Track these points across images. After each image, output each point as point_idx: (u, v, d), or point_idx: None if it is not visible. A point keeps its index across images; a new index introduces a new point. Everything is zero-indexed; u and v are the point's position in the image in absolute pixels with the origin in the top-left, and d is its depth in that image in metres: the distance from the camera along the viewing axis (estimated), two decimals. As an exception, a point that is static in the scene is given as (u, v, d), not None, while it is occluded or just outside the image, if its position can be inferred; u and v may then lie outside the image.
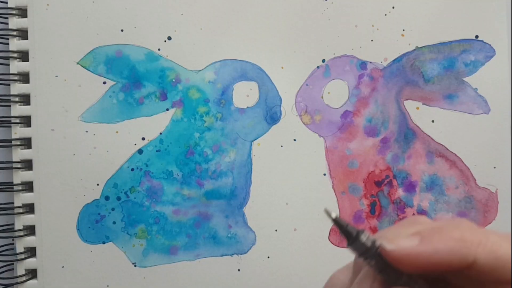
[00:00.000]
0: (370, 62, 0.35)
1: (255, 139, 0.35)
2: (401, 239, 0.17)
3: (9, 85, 0.34)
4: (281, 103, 0.35)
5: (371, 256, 0.17)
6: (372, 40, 0.35)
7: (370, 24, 0.35)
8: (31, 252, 0.35)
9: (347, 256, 0.18)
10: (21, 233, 0.34)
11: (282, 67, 0.35)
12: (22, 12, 0.35)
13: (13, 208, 0.34)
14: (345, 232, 0.17)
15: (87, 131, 0.34)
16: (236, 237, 0.35)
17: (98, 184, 0.34)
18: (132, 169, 0.34)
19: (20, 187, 0.34)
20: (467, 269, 0.17)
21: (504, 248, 0.17)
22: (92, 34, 0.34)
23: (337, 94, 0.35)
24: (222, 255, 0.35)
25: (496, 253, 0.17)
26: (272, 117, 0.35)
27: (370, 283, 0.17)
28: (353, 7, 0.35)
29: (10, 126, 0.34)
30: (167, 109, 0.34)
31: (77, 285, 0.34)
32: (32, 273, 0.35)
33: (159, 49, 0.34)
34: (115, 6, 0.34)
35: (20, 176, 0.34)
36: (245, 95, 0.35)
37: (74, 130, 0.34)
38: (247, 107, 0.35)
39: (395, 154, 0.35)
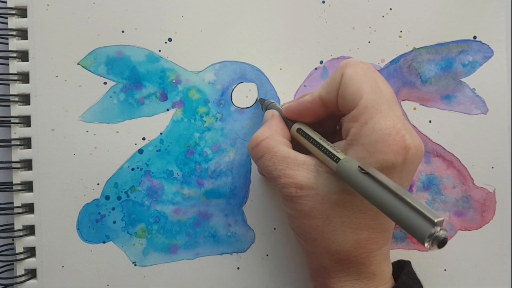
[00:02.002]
0: (367, 64, 0.33)
1: (254, 139, 0.33)
2: (288, 103, 0.30)
3: (8, 85, 0.32)
4: (280, 104, 0.33)
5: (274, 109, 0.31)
6: (369, 42, 0.33)
7: (367, 26, 0.33)
8: (30, 252, 0.33)
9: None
10: (21, 233, 0.32)
11: (280, 69, 0.33)
12: (22, 12, 0.33)
13: (12, 208, 0.32)
14: (260, 101, 0.33)
15: (87, 131, 0.32)
16: (235, 236, 0.33)
17: (98, 184, 0.32)
18: (133, 169, 0.33)
19: (19, 187, 0.32)
20: (331, 107, 0.26)
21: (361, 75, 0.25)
22: (93, 35, 0.32)
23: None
24: (221, 254, 0.33)
25: (356, 76, 0.25)
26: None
27: (278, 119, 0.29)
28: (350, 10, 0.33)
29: (10, 126, 0.32)
30: (168, 110, 0.33)
31: (77, 285, 0.32)
32: (31, 273, 0.33)
33: (159, 50, 0.33)
34: (116, 7, 0.33)
35: (19, 176, 0.32)
36: (244, 96, 0.33)
37: (75, 130, 0.32)
38: (246, 108, 0.33)
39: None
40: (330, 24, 0.33)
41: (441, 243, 0.19)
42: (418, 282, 0.28)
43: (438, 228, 0.19)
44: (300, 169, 0.26)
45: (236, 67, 0.33)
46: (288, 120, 0.29)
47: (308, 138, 0.27)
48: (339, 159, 0.24)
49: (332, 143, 0.27)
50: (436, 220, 0.19)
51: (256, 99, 0.33)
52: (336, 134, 0.30)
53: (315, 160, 0.26)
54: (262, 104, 0.32)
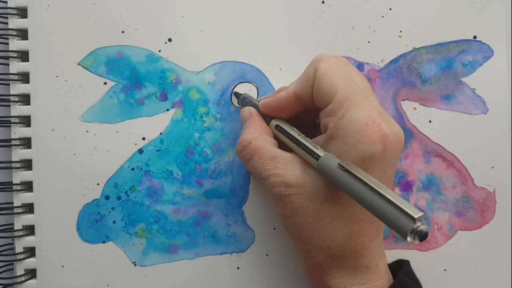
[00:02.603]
0: (367, 63, 0.33)
1: (254, 139, 0.33)
2: (264, 99, 0.29)
3: (9, 85, 0.32)
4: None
5: (249, 105, 0.31)
6: (369, 42, 0.33)
7: (367, 26, 0.33)
8: (30, 252, 0.33)
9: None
10: (21, 233, 0.32)
11: (280, 69, 0.33)
12: (22, 12, 0.32)
13: (12, 208, 0.32)
14: (235, 95, 0.33)
15: (87, 131, 0.32)
16: (235, 236, 0.33)
17: (98, 184, 0.32)
18: (133, 169, 0.32)
19: (19, 187, 0.32)
20: (307, 102, 0.26)
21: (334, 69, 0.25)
22: (93, 35, 0.32)
23: (335, 94, 0.33)
24: (221, 254, 0.33)
25: (329, 70, 0.25)
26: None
27: (258, 118, 0.29)
28: (350, 10, 0.33)
29: (10, 126, 0.32)
30: (168, 110, 0.33)
31: (77, 285, 0.32)
32: (31, 273, 0.32)
33: (159, 51, 0.33)
34: (116, 7, 0.32)
35: (19, 176, 0.32)
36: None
37: (75, 130, 0.32)
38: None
39: (392, 154, 0.33)
40: (330, 24, 0.33)
41: (423, 237, 0.19)
42: (416, 281, 0.28)
43: (419, 223, 0.19)
44: (288, 167, 0.26)
45: (236, 67, 0.33)
46: (266, 116, 0.29)
47: (287, 135, 0.27)
48: (319, 156, 0.24)
49: (313, 137, 0.27)
50: (416, 216, 0.19)
51: (231, 93, 0.33)
52: (316, 128, 0.30)
53: (301, 158, 0.26)
54: (238, 98, 0.32)
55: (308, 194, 0.25)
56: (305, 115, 0.30)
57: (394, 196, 0.20)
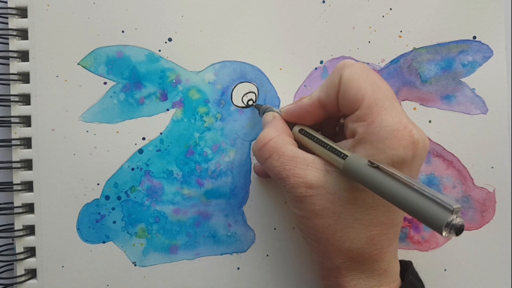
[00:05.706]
0: (368, 63, 0.34)
1: (254, 139, 0.33)
2: (286, 106, 0.29)
3: (9, 85, 0.33)
4: (279, 104, 0.34)
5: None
6: (369, 42, 0.34)
7: (367, 25, 0.34)
8: (30, 252, 0.33)
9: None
10: (21, 233, 0.32)
11: (280, 69, 0.34)
12: (22, 12, 0.33)
13: (12, 208, 0.32)
14: (256, 106, 0.33)
15: (87, 131, 0.33)
16: (235, 236, 0.33)
17: (98, 184, 0.33)
18: (133, 169, 0.33)
19: (20, 187, 0.32)
20: (331, 109, 0.27)
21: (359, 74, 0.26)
22: (93, 35, 0.33)
23: (335, 94, 0.34)
24: (222, 254, 0.33)
25: (354, 76, 0.25)
26: (271, 117, 0.33)
27: (281, 120, 0.29)
28: (350, 9, 0.34)
29: (10, 126, 0.33)
30: (168, 109, 0.33)
31: (77, 285, 0.32)
32: (31, 273, 0.33)
33: (159, 50, 0.33)
34: (116, 7, 0.33)
35: (20, 176, 0.32)
36: (244, 95, 0.33)
37: (75, 130, 0.33)
38: (246, 107, 0.33)
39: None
40: (330, 24, 0.34)
41: (459, 230, 0.19)
42: (421, 282, 0.28)
43: (455, 216, 0.19)
44: (309, 168, 0.25)
45: (236, 67, 0.33)
46: (288, 123, 0.29)
47: (312, 138, 0.27)
48: (346, 156, 0.24)
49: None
50: (454, 207, 0.19)
51: (251, 104, 0.33)
52: (335, 135, 0.31)
53: (323, 160, 0.26)
54: (259, 109, 0.32)
55: (330, 195, 0.25)
56: (325, 123, 0.30)
57: (428, 188, 0.20)
